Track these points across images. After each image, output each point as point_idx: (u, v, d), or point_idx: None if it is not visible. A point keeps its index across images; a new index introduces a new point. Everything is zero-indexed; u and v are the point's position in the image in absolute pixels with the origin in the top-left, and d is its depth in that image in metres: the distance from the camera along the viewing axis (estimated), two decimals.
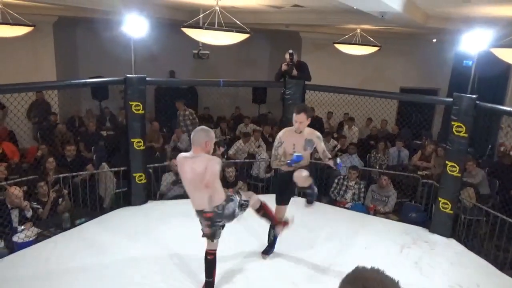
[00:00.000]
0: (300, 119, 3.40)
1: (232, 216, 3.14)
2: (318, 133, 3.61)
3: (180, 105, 7.30)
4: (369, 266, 1.01)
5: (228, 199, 3.09)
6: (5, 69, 7.10)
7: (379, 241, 4.34)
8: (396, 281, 0.94)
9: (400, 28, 7.66)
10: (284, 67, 5.02)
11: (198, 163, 2.88)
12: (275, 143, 3.62)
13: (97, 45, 8.87)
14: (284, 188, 3.73)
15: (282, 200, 3.76)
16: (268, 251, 3.87)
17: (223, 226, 3.18)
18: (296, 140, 3.53)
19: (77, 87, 5.45)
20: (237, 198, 3.17)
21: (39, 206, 4.46)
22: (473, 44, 4.41)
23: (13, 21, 5.65)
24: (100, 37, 8.54)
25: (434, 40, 9.17)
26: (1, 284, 3.29)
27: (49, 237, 4.08)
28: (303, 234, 4.38)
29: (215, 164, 2.89)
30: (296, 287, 3.46)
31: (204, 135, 2.92)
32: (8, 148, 6.14)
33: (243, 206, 3.22)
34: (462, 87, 4.43)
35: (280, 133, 3.64)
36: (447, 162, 4.43)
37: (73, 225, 4.37)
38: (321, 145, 3.60)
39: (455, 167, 4.36)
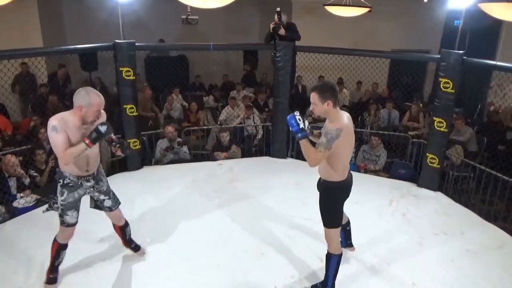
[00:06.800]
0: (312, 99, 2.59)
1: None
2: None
3: None
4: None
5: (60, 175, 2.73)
6: None
7: (369, 196, 4.50)
8: None
9: None
10: (271, 26, 5.00)
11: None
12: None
13: (83, 13, 8.71)
14: None
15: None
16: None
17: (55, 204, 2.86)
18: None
19: (65, 53, 5.41)
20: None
21: (37, 174, 4.54)
22: (461, 0, 4.41)
23: None
24: (86, 4, 8.37)
25: (425, 0, 9.07)
26: (4, 246, 3.41)
27: (48, 202, 4.19)
28: (296, 192, 4.53)
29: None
30: (291, 240, 3.62)
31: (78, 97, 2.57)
32: (1, 121, 6.14)
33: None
34: (453, 47, 4.46)
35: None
36: (434, 118, 4.53)
37: None
38: None
39: (442, 123, 4.47)
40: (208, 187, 4.63)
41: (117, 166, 5.31)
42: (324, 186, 2.77)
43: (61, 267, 3.00)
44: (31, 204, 4.13)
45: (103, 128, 2.58)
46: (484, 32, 7.82)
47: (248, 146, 6.29)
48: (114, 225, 3.20)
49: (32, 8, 7.88)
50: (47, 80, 7.59)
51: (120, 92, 4.76)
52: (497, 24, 7.88)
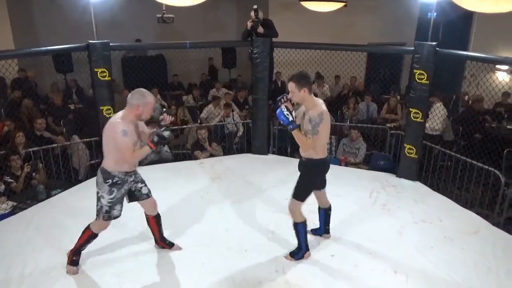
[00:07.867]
0: (289, 88, 2.92)
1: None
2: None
3: None
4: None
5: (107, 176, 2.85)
6: None
7: (349, 189, 4.56)
8: None
9: None
10: (249, 24, 4.99)
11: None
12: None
13: (56, 14, 8.52)
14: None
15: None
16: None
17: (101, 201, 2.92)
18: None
19: (37, 55, 5.28)
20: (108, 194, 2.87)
21: (12, 180, 4.42)
22: None
23: None
24: (58, 4, 8.18)
25: None
26: None
27: (26, 208, 4.09)
28: (278, 188, 4.55)
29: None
30: (274, 235, 3.64)
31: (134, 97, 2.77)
32: None
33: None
34: (427, 39, 4.55)
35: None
36: (410, 109, 4.62)
37: (49, 196, 4.37)
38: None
39: (418, 114, 4.56)
40: (190, 186, 4.60)
41: (96, 168, 5.22)
42: (305, 163, 3.10)
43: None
44: (7, 211, 4.02)
45: (166, 133, 2.79)
46: (456, 23, 8.02)
47: (229, 144, 6.28)
48: (148, 218, 3.23)
49: (1, 10, 7.66)
50: (14, 83, 7.37)
51: (96, 93, 4.67)
52: (469, 15, 8.09)
